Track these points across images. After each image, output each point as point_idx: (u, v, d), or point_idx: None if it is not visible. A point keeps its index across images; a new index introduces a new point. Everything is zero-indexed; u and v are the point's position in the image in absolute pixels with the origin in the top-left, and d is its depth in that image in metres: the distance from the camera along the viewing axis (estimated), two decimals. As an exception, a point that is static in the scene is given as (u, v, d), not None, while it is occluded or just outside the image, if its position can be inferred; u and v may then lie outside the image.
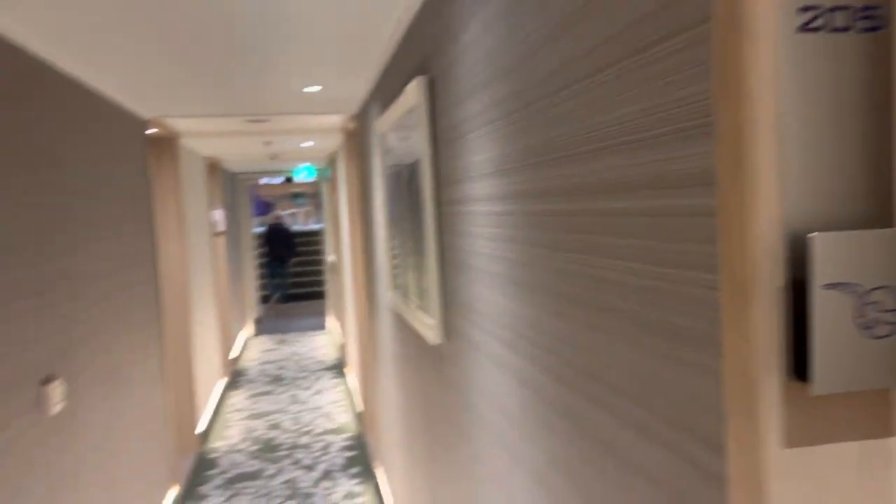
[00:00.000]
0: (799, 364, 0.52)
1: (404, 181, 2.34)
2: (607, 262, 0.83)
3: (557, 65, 0.96)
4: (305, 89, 3.33)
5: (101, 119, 2.99)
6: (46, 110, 2.34)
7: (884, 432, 0.54)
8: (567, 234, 0.95)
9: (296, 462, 4.63)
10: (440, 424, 2.03)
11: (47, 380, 2.18)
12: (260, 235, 11.48)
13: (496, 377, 1.39)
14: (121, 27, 2.12)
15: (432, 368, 2.12)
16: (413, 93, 1.94)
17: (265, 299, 11.70)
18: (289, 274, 11.85)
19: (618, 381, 0.84)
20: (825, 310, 0.50)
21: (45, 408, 2.14)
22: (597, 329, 0.88)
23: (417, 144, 2.00)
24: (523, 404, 1.21)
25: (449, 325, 1.84)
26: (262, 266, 11.49)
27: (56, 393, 2.20)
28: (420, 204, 2.04)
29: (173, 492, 3.93)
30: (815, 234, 0.50)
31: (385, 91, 2.80)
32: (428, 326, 2.04)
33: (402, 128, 2.29)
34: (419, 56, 2.01)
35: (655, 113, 0.69)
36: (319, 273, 12.33)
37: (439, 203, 1.88)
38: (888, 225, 0.53)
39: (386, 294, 3.18)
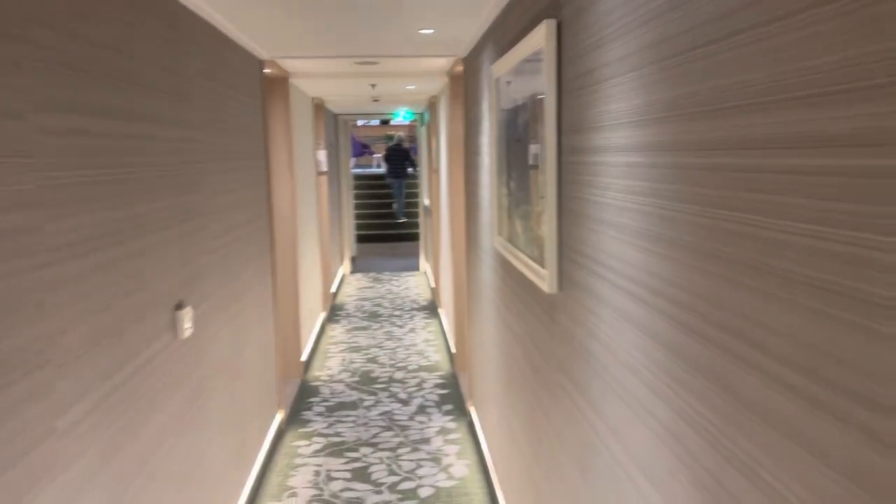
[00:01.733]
0: None
1: (520, 128, 2.31)
2: (783, 223, 0.80)
3: (726, 10, 0.91)
4: (421, 31, 3.32)
5: (224, 58, 3.09)
6: (180, 48, 2.45)
7: None
8: (729, 191, 0.92)
9: (392, 395, 4.82)
10: (549, 372, 2.05)
11: (179, 306, 2.35)
12: (382, 156, 12.86)
13: (621, 329, 1.38)
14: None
15: (543, 316, 2.13)
16: (539, 37, 1.90)
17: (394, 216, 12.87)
18: (404, 193, 12.77)
19: (773, 344, 0.82)
20: None
21: (178, 331, 2.31)
22: (753, 290, 0.86)
23: (540, 91, 1.96)
24: (652, 358, 1.21)
25: (565, 275, 1.84)
26: (384, 184, 12.88)
27: (186, 318, 2.36)
28: (538, 153, 2.02)
29: (280, 415, 4.19)
30: None
31: (502, 34, 2.75)
32: (540, 275, 2.04)
33: (522, 73, 2.25)
34: (547, -2, 1.96)
35: (869, 62, 0.65)
36: (414, 215, 12.50)
37: (562, 152, 1.85)
38: None
39: (491, 239, 3.20)
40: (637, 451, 1.30)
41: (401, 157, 12.31)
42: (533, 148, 2.11)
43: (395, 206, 12.83)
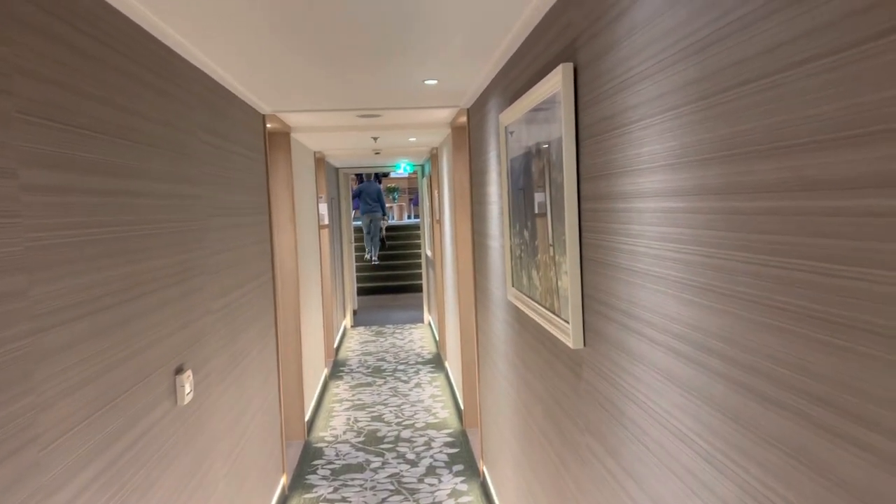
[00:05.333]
0: None
1: (533, 176, 2.23)
2: (858, 270, 0.69)
3: (786, 38, 0.82)
4: (425, 81, 3.28)
5: (226, 112, 3.04)
6: (183, 103, 2.38)
7: None
8: (797, 237, 0.82)
9: (399, 456, 4.63)
10: (575, 434, 1.91)
11: (179, 370, 2.22)
12: (353, 193, 11.87)
13: (662, 391, 1.26)
14: (247, 22, 2.12)
15: (566, 373, 2.01)
16: (554, 82, 1.83)
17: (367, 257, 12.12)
18: (378, 231, 12.02)
19: (869, 412, 0.70)
20: None
21: (178, 397, 2.18)
22: (843, 352, 0.75)
23: (554, 138, 1.88)
24: (707, 426, 1.08)
25: (591, 330, 1.73)
26: (356, 222, 11.88)
27: (187, 382, 2.23)
28: (555, 201, 1.93)
29: (283, 479, 4.00)
30: None
31: (510, 83, 2.69)
32: (562, 328, 1.93)
33: (533, 121, 2.18)
34: (561, 43, 1.90)
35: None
36: (416, 266, 12.42)
37: (581, 199, 1.76)
38: None
39: (504, 291, 3.08)
40: (689, 529, 1.16)
41: (373, 195, 11.56)
42: (545, 196, 2.02)
43: (367, 248, 11.95)
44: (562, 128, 1.78)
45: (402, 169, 10.16)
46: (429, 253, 8.73)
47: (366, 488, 4.12)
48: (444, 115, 4.47)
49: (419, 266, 12.02)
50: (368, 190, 11.62)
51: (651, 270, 1.29)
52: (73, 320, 1.50)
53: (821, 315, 0.78)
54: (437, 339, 7.84)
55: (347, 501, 3.94)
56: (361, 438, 5.01)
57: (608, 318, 1.58)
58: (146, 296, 1.95)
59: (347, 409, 5.75)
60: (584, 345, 1.78)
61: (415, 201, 12.15)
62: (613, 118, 1.47)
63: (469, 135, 4.07)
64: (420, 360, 7.50)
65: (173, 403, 2.15)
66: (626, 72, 1.38)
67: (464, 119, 4.29)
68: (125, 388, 1.78)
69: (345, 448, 4.83)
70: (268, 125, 4.16)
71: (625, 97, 1.39)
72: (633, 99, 1.35)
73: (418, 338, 8.77)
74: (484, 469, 4.04)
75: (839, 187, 0.74)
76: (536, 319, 2.26)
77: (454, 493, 3.99)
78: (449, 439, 4.91)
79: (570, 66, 1.75)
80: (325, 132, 5.23)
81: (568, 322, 1.85)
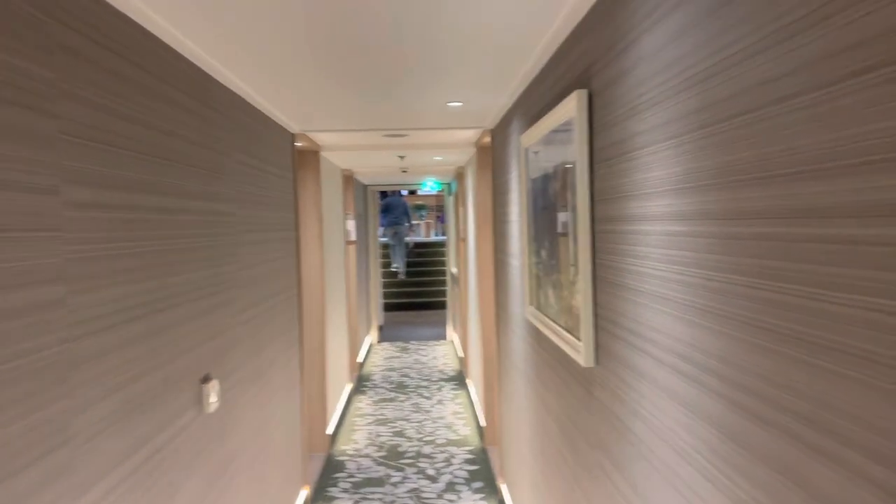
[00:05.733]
0: None
1: (550, 197, 2.28)
2: (842, 296, 0.74)
3: (784, 71, 0.87)
4: (449, 104, 3.36)
5: (258, 132, 3.15)
6: (219, 125, 2.49)
7: None
8: (786, 262, 0.86)
9: (420, 471, 4.66)
10: (587, 450, 1.94)
11: (206, 379, 2.30)
12: (380, 208, 12.08)
13: (665, 408, 1.30)
14: (279, 48, 2.22)
15: (579, 391, 2.04)
16: (569, 107, 1.89)
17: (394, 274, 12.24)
18: (404, 246, 12.19)
19: (851, 432, 0.74)
20: None
21: (204, 405, 2.26)
22: (823, 371, 0.79)
23: (570, 160, 1.94)
24: (705, 442, 1.12)
25: (602, 348, 1.77)
26: (382, 238, 12.07)
27: (213, 391, 2.31)
28: (571, 221, 1.98)
29: (304, 492, 4.06)
30: None
31: (531, 105, 2.76)
32: (575, 347, 1.97)
33: (552, 143, 2.23)
34: (576, 70, 1.96)
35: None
36: (441, 283, 12.48)
37: (595, 220, 1.81)
38: None
39: (522, 309, 3.13)
40: (690, 544, 1.19)
41: (399, 209, 11.81)
42: (563, 216, 2.08)
43: (394, 262, 12.14)
44: (576, 151, 1.83)
45: (428, 187, 10.27)
46: (454, 270, 8.79)
47: (385, 502, 4.16)
48: (469, 135, 4.55)
49: (444, 283, 12.08)
50: (395, 204, 11.89)
51: (656, 291, 1.34)
52: (107, 328, 1.58)
53: (805, 337, 0.82)
54: (461, 356, 7.87)
55: (367, 515, 3.98)
56: (383, 453, 5.06)
57: (618, 337, 1.62)
58: (178, 307, 2.03)
59: (370, 424, 5.81)
60: (596, 363, 1.82)
61: (442, 219, 12.26)
62: (624, 143, 1.52)
63: (493, 155, 4.14)
64: (443, 377, 7.54)
65: (199, 411, 2.23)
66: (634, 99, 1.44)
67: (488, 139, 4.36)
68: (154, 394, 1.86)
69: (366, 462, 4.88)
70: (297, 143, 4.28)
71: (634, 123, 1.45)
72: (640, 125, 1.40)
73: (441, 354, 8.81)
74: (503, 486, 4.06)
75: (820, 216, 0.78)
76: (552, 338, 2.30)
77: (473, 510, 4.01)
78: (469, 456, 4.93)
79: (584, 92, 1.80)
80: (353, 150, 5.34)
81: (580, 340, 1.89)
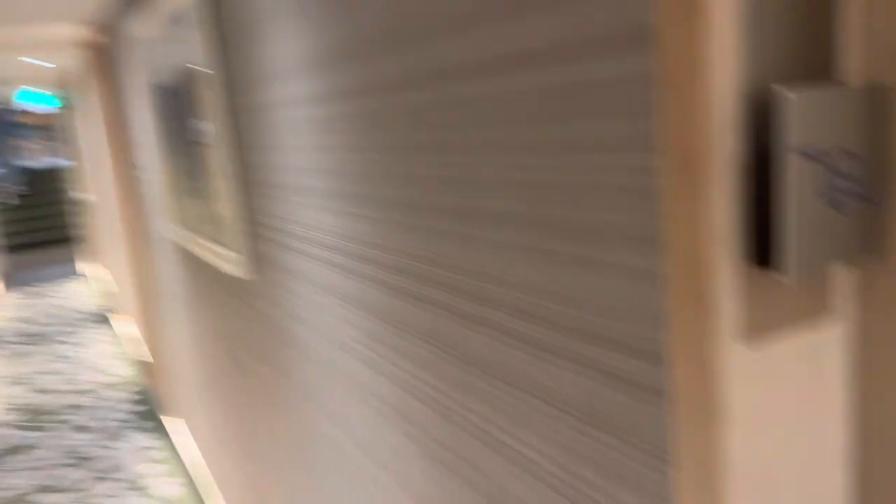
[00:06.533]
0: (761, 248, 0.45)
1: (181, 95, 2.01)
2: (488, 158, 0.71)
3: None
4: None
5: None
6: None
7: (832, 318, 0.51)
8: (422, 132, 0.82)
9: (78, 427, 4.12)
10: (255, 364, 1.84)
11: None
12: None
13: (326, 306, 1.24)
14: None
15: (240, 306, 1.91)
16: (185, -15, 1.63)
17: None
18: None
19: (503, 297, 0.74)
20: (798, 181, 0.43)
21: None
22: (470, 240, 0.78)
23: (195, 48, 1.70)
24: (368, 332, 1.09)
25: (258, 256, 1.64)
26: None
27: None
28: (206, 120, 1.76)
29: (-81, 486, 3.29)
30: (792, 92, 0.43)
31: (143, -10, 2.36)
32: (229, 259, 1.81)
33: (174, 38, 1.94)
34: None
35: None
36: (63, 215, 10.94)
37: (235, 114, 1.63)
38: (828, 80, 0.47)
39: (166, 228, 2.82)
40: (362, 435, 1.18)
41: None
42: (197, 122, 1.84)
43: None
44: (200, 37, 1.60)
45: (38, 103, 8.66)
46: (87, 197, 7.70)
47: (36, 468, 3.60)
48: (72, 31, 3.83)
49: (75, 214, 10.59)
50: None
51: (301, 183, 1.24)
52: None
53: (446, 206, 0.80)
54: (110, 291, 7.07)
55: (15, 488, 3.41)
56: (27, 417, 4.34)
57: (274, 241, 1.50)
58: None
59: (6, 386, 4.92)
60: (256, 274, 1.69)
61: (59, 140, 10.53)
62: (253, 20, 1.36)
63: (111, 56, 3.56)
64: (88, 318, 6.71)
65: None
66: (256, -29, 1.27)
67: (101, 37, 3.73)
68: None
69: (4, 431, 4.14)
70: None
71: (259, -1, 1.28)
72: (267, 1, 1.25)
73: (84, 293, 7.82)
74: (177, 422, 3.80)
75: (458, 74, 0.74)
76: (203, 255, 2.10)
77: (142, 450, 3.69)
78: (134, 398, 4.51)
79: (200, -34, 1.56)
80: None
81: (234, 252, 1.74)
